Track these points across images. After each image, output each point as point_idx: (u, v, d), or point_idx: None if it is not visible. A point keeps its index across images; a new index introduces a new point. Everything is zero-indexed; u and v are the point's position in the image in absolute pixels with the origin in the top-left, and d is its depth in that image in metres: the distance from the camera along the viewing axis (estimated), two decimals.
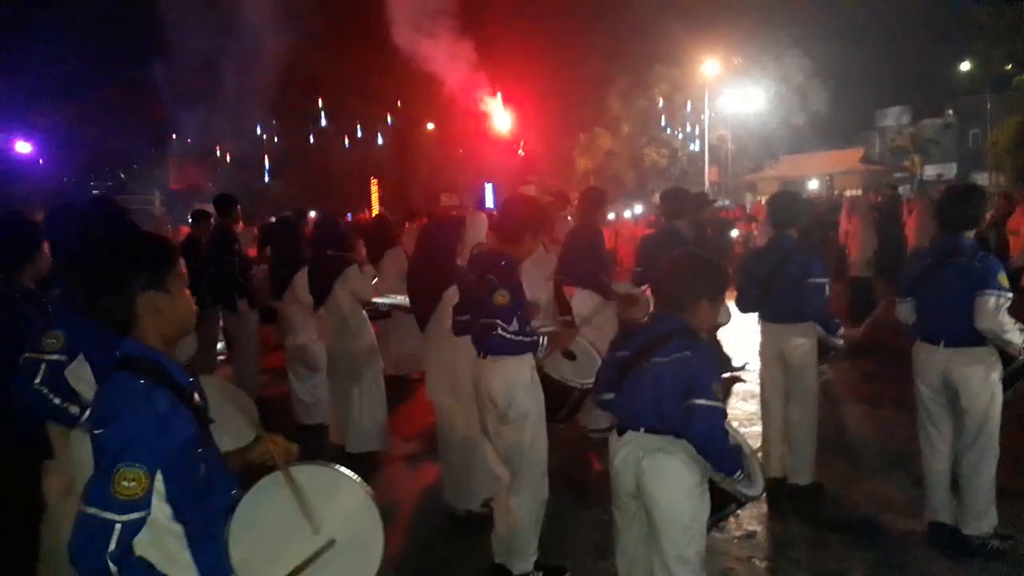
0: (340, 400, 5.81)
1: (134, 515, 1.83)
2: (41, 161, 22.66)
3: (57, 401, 3.03)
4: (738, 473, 2.89)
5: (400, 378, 7.62)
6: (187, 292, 2.12)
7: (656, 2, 30.72)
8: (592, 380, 4.12)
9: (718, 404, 2.84)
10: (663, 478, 2.90)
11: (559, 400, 3.98)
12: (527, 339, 3.74)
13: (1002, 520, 4.11)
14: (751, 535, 4.41)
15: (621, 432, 3.04)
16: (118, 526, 1.80)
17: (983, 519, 4.03)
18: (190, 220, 8.11)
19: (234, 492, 2.14)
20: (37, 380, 3.02)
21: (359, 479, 2.27)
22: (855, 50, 37.42)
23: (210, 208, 7.81)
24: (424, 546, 4.50)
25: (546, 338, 3.80)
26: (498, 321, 3.62)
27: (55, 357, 3.02)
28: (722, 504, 3.03)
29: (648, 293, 6.10)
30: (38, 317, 3.38)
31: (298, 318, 6.61)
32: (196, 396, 2.07)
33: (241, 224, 7.76)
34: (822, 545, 4.27)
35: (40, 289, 3.63)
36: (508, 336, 3.65)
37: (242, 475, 2.25)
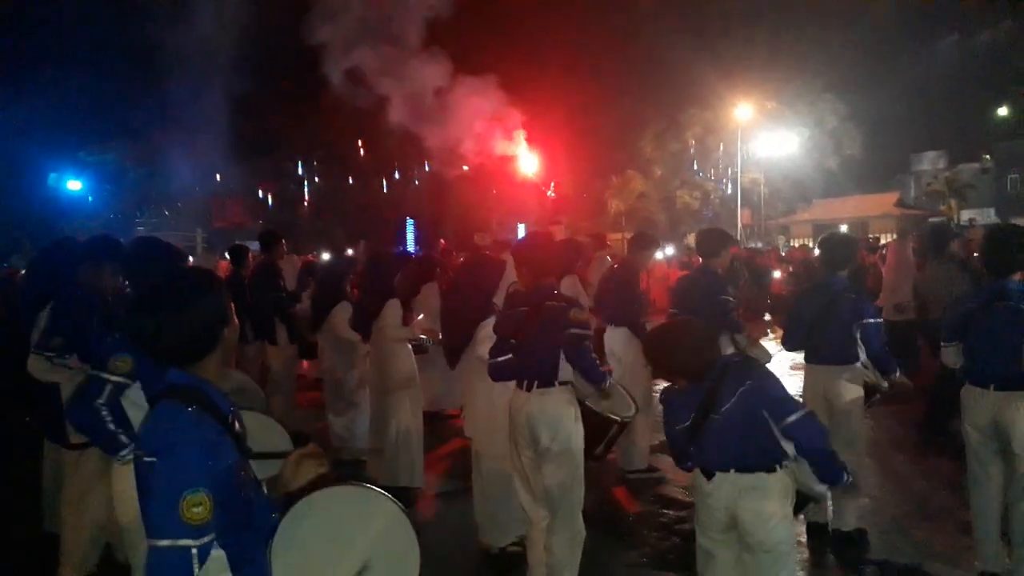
0: (379, 433, 5.86)
1: (206, 538, 1.89)
2: (90, 199, 23.35)
3: (112, 427, 3.05)
4: (846, 478, 3.09)
5: (434, 414, 7.63)
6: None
7: (690, 46, 31.00)
8: (628, 415, 4.13)
9: (807, 410, 3.06)
10: (760, 514, 3.02)
11: (598, 435, 3.97)
12: (602, 368, 3.78)
13: None
14: None
15: (709, 475, 3.12)
16: (194, 551, 1.86)
17: None
18: (228, 256, 8.31)
19: (273, 516, 2.18)
20: (101, 399, 3.05)
21: (391, 497, 2.32)
22: (890, 94, 37.25)
23: (249, 245, 8.02)
24: None
25: (612, 377, 3.82)
26: (588, 332, 3.70)
27: (120, 379, 3.07)
28: (802, 504, 3.24)
29: None
30: None
31: (335, 352, 6.69)
32: (236, 424, 2.14)
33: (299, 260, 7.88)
34: None
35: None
36: (593, 355, 3.71)
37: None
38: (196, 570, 1.85)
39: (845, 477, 3.08)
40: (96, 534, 3.89)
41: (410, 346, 5.93)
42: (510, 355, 3.87)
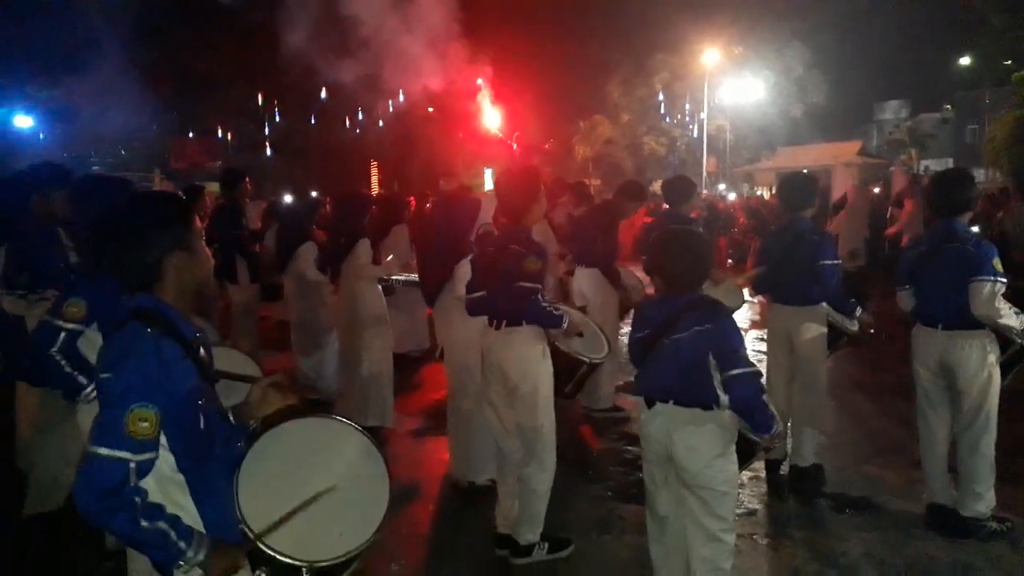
0: (349, 373, 5.87)
1: (147, 455, 1.87)
2: (41, 136, 22.46)
3: (68, 369, 3.07)
4: (775, 428, 3.01)
5: (402, 356, 7.66)
6: (204, 246, 2.18)
7: None
8: (599, 356, 4.20)
9: (753, 369, 2.95)
10: (695, 450, 3.00)
11: (567, 374, 4.03)
12: (556, 312, 3.76)
13: (1001, 506, 4.19)
14: (752, 513, 4.50)
15: (650, 404, 3.14)
16: (132, 465, 1.84)
17: (980, 501, 4.10)
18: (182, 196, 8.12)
19: (240, 445, 2.19)
20: (55, 348, 3.05)
21: (362, 428, 2.35)
22: (855, 43, 37.42)
23: (206, 185, 7.81)
24: (429, 517, 4.57)
25: (569, 318, 3.81)
26: (538, 286, 3.68)
27: (74, 327, 3.04)
28: (749, 454, 3.21)
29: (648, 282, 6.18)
30: None
31: (301, 293, 6.64)
32: (202, 350, 2.13)
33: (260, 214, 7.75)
34: (822, 525, 4.36)
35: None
36: (544, 304, 3.71)
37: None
38: (131, 483, 1.84)
39: (775, 426, 3.02)
40: (62, 471, 3.88)
41: (380, 286, 5.93)
42: (484, 292, 3.91)
